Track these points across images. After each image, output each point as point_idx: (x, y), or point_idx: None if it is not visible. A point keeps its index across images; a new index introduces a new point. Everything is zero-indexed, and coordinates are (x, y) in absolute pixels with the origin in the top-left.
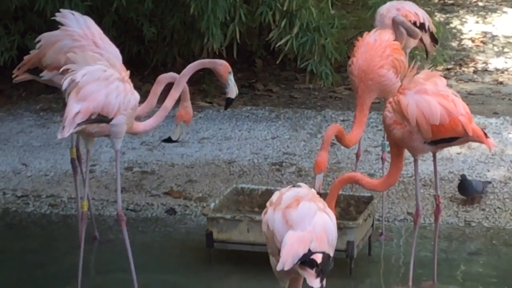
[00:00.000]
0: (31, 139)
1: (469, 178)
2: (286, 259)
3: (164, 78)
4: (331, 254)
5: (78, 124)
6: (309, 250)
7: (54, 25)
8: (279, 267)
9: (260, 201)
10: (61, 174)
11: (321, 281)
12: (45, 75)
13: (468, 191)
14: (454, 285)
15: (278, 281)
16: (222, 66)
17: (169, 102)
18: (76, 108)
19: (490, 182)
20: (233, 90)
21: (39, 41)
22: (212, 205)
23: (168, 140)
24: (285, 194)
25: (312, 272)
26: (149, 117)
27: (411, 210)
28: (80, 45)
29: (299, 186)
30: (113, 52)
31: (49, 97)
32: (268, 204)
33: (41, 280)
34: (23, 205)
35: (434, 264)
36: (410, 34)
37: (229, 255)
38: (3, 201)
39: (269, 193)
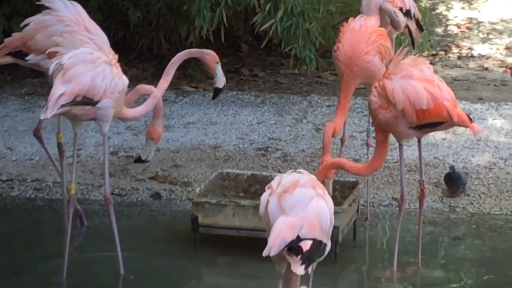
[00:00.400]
0: (16, 123)
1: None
2: (273, 244)
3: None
4: (325, 241)
5: (62, 106)
6: (298, 237)
7: (39, 9)
8: (265, 252)
9: (245, 186)
10: (46, 159)
11: (306, 268)
12: (32, 58)
13: (457, 184)
14: (438, 269)
15: (275, 265)
16: (210, 56)
17: (159, 91)
18: (60, 90)
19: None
20: (220, 80)
21: (27, 24)
22: (197, 189)
23: (139, 160)
24: (284, 179)
25: (297, 259)
26: (139, 104)
27: (396, 196)
28: (71, 30)
29: (300, 172)
30: (103, 38)
31: (35, 81)
32: (266, 187)
33: (26, 264)
34: (8, 189)
35: (418, 249)
36: (394, 26)
37: (214, 240)
38: None
39: (254, 178)
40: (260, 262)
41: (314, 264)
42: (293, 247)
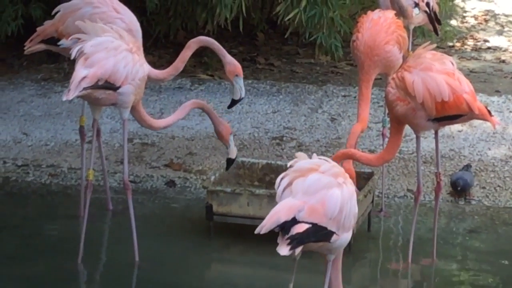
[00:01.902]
0: (32, 108)
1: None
2: (266, 223)
3: (194, 43)
4: (331, 228)
5: (84, 88)
6: (294, 218)
7: None
8: (256, 230)
9: (260, 175)
10: (61, 144)
11: (291, 249)
12: (64, 43)
13: (465, 188)
14: (453, 262)
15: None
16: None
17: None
18: (83, 73)
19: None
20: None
21: (57, 11)
22: (212, 178)
23: (232, 102)
24: (304, 162)
25: (283, 239)
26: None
27: (411, 187)
28: (100, 11)
29: (325, 160)
30: (132, 18)
31: (51, 67)
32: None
33: (41, 249)
34: (23, 174)
35: (433, 241)
36: (401, 13)
37: (228, 229)
38: (3, 170)
39: (269, 167)
40: (274, 251)
41: (337, 251)
42: (284, 227)
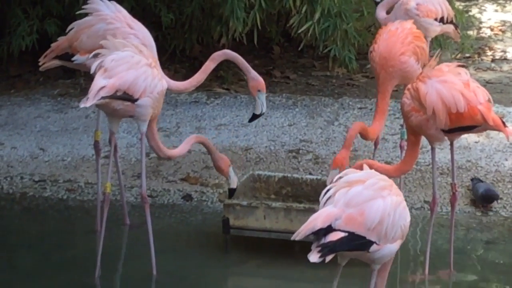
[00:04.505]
0: (49, 124)
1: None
2: (302, 230)
3: (218, 55)
4: (370, 238)
5: (103, 98)
6: (329, 226)
7: (72, 10)
8: (292, 237)
9: (276, 188)
10: (78, 159)
11: (321, 257)
12: (78, 59)
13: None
14: (470, 274)
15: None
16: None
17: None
18: (102, 83)
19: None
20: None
21: (72, 28)
22: None
23: (253, 117)
24: (354, 175)
25: (313, 246)
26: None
27: (428, 199)
28: (114, 27)
29: (375, 173)
30: (145, 33)
31: (67, 82)
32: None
33: (58, 264)
34: (40, 189)
35: (450, 253)
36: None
37: (245, 242)
38: (21, 185)
39: (285, 180)
40: (291, 264)
41: (381, 261)
42: (318, 234)
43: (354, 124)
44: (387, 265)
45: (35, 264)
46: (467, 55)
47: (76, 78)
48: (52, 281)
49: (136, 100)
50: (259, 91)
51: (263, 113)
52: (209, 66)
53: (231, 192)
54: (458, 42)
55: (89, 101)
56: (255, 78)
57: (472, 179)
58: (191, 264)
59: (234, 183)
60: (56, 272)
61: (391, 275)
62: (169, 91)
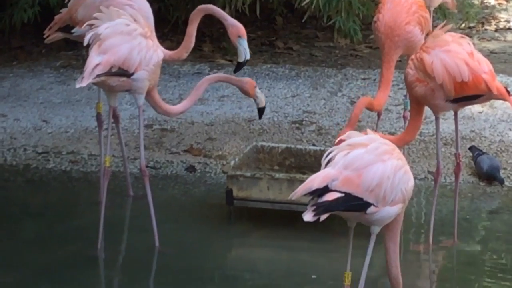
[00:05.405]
0: (51, 95)
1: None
2: (299, 190)
3: (195, 14)
4: (367, 200)
5: (98, 76)
6: (326, 187)
7: None
8: (289, 196)
9: (280, 159)
10: (81, 131)
11: (315, 215)
12: (77, 31)
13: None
14: (474, 243)
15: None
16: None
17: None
18: (96, 60)
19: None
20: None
21: (70, 0)
22: (232, 162)
23: (238, 65)
24: (357, 138)
25: (308, 206)
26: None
27: (431, 169)
28: None
29: (378, 137)
30: (142, 4)
31: (69, 54)
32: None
33: (61, 235)
34: (43, 161)
35: (454, 223)
36: None
37: (248, 213)
38: (24, 157)
39: (289, 151)
40: (295, 235)
41: (381, 224)
42: (315, 194)
43: (358, 101)
44: (396, 229)
45: (38, 236)
46: (471, 25)
47: (79, 50)
48: (55, 252)
49: (132, 74)
50: (239, 37)
51: (247, 60)
52: (191, 28)
53: (261, 111)
54: (462, 11)
55: (84, 80)
56: (233, 24)
57: (470, 148)
58: (194, 236)
59: (262, 102)
60: (59, 244)
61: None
62: (170, 62)
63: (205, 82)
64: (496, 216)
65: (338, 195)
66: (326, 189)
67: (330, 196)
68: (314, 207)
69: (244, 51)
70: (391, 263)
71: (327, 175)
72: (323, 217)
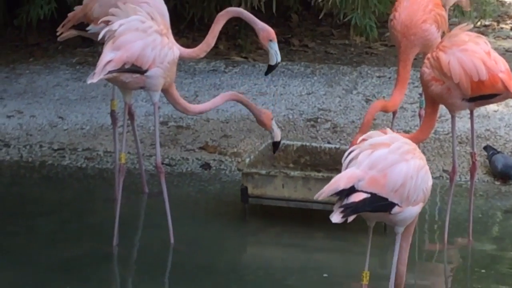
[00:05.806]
0: (67, 92)
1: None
2: (325, 190)
3: (222, 16)
4: (392, 200)
5: (110, 72)
6: (352, 187)
7: None
8: (315, 196)
9: (295, 157)
10: (97, 128)
11: (343, 217)
12: (92, 28)
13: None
14: (489, 243)
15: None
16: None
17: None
18: (109, 56)
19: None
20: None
21: None
22: (247, 160)
23: (269, 68)
24: (378, 138)
25: (336, 206)
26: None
27: (446, 168)
28: None
29: (400, 139)
30: (158, 2)
31: (85, 50)
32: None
33: (77, 232)
34: (59, 158)
35: (469, 222)
36: None
37: (263, 211)
38: (40, 153)
39: (303, 149)
40: (310, 233)
41: (404, 223)
42: (341, 195)
43: (371, 107)
44: (410, 228)
45: (54, 232)
46: (487, 23)
47: (95, 47)
48: (70, 249)
49: (146, 71)
50: (270, 40)
51: (278, 63)
52: (216, 28)
53: (276, 146)
54: (478, 9)
55: (95, 76)
56: (264, 29)
57: (485, 147)
58: (209, 233)
59: (278, 136)
60: (74, 240)
61: (411, 244)
62: (187, 60)
63: (229, 96)
64: (511, 215)
65: (364, 195)
66: (352, 190)
67: (357, 197)
68: (342, 208)
69: (275, 54)
70: (401, 261)
71: (353, 175)
72: (351, 218)
